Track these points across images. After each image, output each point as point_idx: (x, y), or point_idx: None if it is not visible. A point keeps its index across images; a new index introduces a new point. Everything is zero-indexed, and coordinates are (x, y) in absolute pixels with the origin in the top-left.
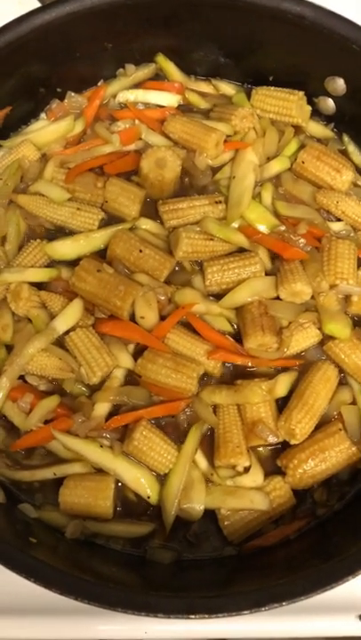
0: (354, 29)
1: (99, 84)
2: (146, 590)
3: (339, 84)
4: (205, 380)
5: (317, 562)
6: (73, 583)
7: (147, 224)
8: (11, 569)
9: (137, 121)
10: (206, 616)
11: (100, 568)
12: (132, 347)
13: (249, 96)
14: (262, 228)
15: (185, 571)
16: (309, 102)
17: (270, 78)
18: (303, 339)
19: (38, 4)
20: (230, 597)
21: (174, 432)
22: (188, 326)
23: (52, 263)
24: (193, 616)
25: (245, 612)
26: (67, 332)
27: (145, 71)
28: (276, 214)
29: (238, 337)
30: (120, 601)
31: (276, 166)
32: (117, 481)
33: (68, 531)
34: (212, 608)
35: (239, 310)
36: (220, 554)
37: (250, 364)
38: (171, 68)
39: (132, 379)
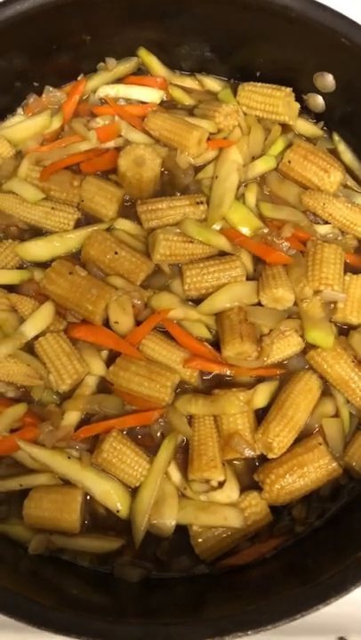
0: (343, 22)
1: (78, 78)
2: (107, 613)
3: (328, 80)
4: (182, 389)
5: (292, 585)
6: (26, 608)
7: (124, 225)
8: None
9: (117, 117)
10: None
11: (64, 587)
12: (105, 353)
13: (236, 92)
14: (245, 230)
15: (153, 590)
16: (298, 99)
17: (258, 74)
18: (284, 347)
19: None
20: (192, 625)
21: (148, 443)
22: (165, 333)
23: (25, 265)
24: None
25: None
26: (36, 337)
27: (127, 65)
28: (261, 216)
29: (218, 344)
30: (75, 627)
31: (261, 166)
32: (86, 494)
33: (31, 546)
34: (171, 636)
35: (218, 316)
36: (192, 572)
37: (228, 373)
38: (153, 62)
39: (105, 387)
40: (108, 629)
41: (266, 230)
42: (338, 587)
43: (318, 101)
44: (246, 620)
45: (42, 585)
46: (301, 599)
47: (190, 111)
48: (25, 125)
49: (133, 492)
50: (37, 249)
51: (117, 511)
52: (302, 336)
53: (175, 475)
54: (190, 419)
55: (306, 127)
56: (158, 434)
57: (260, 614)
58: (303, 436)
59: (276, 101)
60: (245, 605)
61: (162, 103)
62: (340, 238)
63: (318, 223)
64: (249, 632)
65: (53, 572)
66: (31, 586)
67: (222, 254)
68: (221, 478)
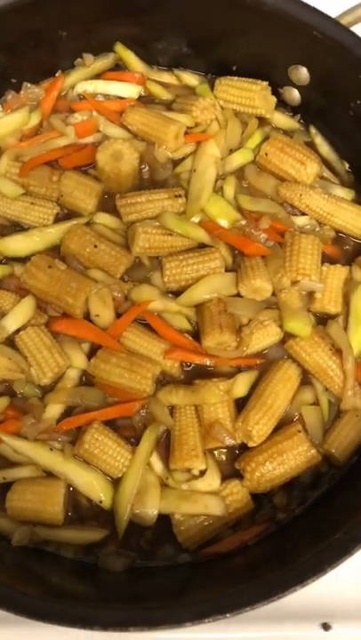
0: (315, 15)
1: (56, 74)
2: (90, 601)
3: (302, 74)
4: (164, 380)
5: (271, 569)
6: (3, 594)
7: (104, 219)
8: None
9: (95, 113)
10: (146, 628)
11: (48, 578)
12: (86, 346)
13: (213, 87)
14: (223, 222)
15: (137, 579)
16: (275, 93)
17: (234, 68)
18: (263, 337)
19: None
20: (172, 609)
21: (130, 434)
22: (146, 325)
23: (5, 260)
24: (132, 628)
25: (187, 623)
26: (17, 331)
27: (104, 61)
28: (239, 208)
29: (198, 335)
30: (54, 613)
31: (238, 159)
32: (69, 485)
33: (15, 538)
34: (152, 620)
35: (198, 308)
36: (175, 561)
37: (208, 364)
38: (130, 57)
39: (87, 379)
40: (89, 615)
41: (244, 222)
42: (315, 568)
43: (294, 95)
44: (225, 602)
45: (26, 576)
46: (279, 581)
47: (168, 106)
48: (3, 122)
49: (116, 482)
50: (17, 244)
51: (100, 502)
52: (281, 326)
53: (157, 464)
54: (172, 409)
55: (283, 120)
56: (140, 425)
57: (239, 597)
58: (283, 425)
59: (252, 95)
60: (226, 590)
61: (140, 98)
62: (317, 229)
63: (296, 215)
64: (228, 614)
65: (37, 564)
66: (15, 577)
67: (201, 246)
68: (203, 467)
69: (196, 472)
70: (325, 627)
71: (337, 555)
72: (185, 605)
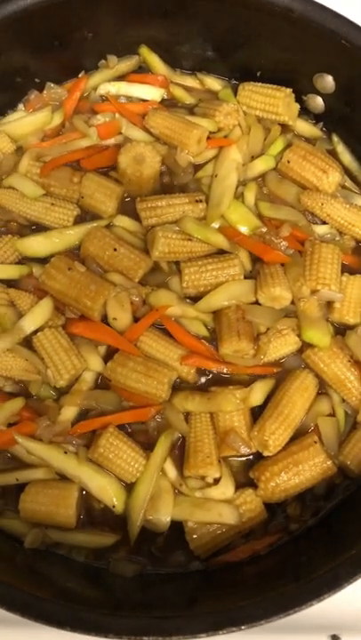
0: (344, 24)
1: (80, 75)
2: (102, 607)
3: (328, 82)
4: (180, 385)
5: (285, 582)
6: (21, 599)
7: (124, 222)
8: None
9: (118, 115)
10: (160, 638)
11: (59, 581)
12: (103, 349)
13: (236, 92)
14: (243, 229)
15: (148, 586)
16: (298, 100)
17: (258, 74)
18: (281, 346)
19: None
20: (187, 619)
21: (144, 440)
22: (163, 330)
23: (24, 260)
24: (146, 637)
25: (202, 635)
26: (35, 332)
27: (128, 63)
28: (260, 215)
29: (215, 342)
30: (69, 620)
31: (260, 165)
32: (82, 489)
33: (27, 540)
34: (166, 630)
35: (216, 314)
36: (186, 569)
37: (225, 371)
38: (155, 60)
39: (103, 383)
40: (103, 622)
41: (264, 229)
42: (331, 583)
43: (318, 102)
44: (240, 615)
45: (37, 578)
46: (295, 595)
47: (191, 110)
48: (26, 121)
49: (129, 487)
50: (37, 244)
51: (113, 506)
52: (299, 335)
53: (171, 471)
54: (187, 416)
55: (305, 128)
56: (155, 430)
57: (254, 609)
58: (299, 435)
59: (276, 101)
60: (239, 601)
61: (162, 101)
62: (337, 239)
63: (316, 223)
64: (243, 627)
65: (49, 567)
66: (27, 579)
67: (221, 252)
68: (217, 475)
69: (210, 480)
70: (335, 639)
71: (354, 570)
72: (199, 616)
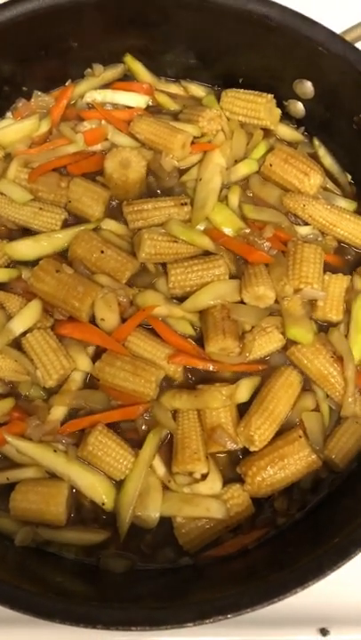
0: (321, 31)
1: (66, 83)
2: (90, 601)
3: (307, 87)
4: (167, 384)
5: (271, 572)
6: (9, 592)
7: (111, 225)
8: None
9: (104, 121)
10: (148, 628)
11: (50, 578)
12: (91, 349)
13: (219, 98)
14: (228, 230)
15: (138, 581)
16: (280, 105)
17: (240, 81)
18: (266, 343)
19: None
20: (174, 609)
21: (133, 437)
22: (150, 329)
23: (13, 263)
24: (134, 628)
25: (189, 624)
26: (24, 334)
27: (113, 71)
28: (243, 217)
29: (201, 341)
30: (58, 612)
31: (243, 169)
32: (72, 487)
33: (18, 538)
34: (154, 620)
35: (202, 314)
36: (176, 564)
37: (211, 369)
38: (139, 68)
39: (91, 382)
40: (91, 614)
41: (248, 231)
42: (315, 571)
43: (299, 107)
44: (226, 603)
45: (28, 575)
46: (280, 583)
47: (175, 116)
48: (14, 128)
49: (118, 485)
50: (25, 248)
51: (103, 504)
52: (283, 333)
53: (160, 468)
54: (175, 413)
55: (287, 132)
56: (143, 428)
57: (240, 598)
58: (284, 430)
59: (257, 107)
60: (226, 591)
61: (147, 108)
62: (320, 239)
63: (299, 224)
64: (229, 615)
65: (39, 564)
66: (17, 575)
67: (206, 254)
68: (205, 471)
69: (197, 475)
70: (323, 632)
71: (337, 558)
72: (186, 606)
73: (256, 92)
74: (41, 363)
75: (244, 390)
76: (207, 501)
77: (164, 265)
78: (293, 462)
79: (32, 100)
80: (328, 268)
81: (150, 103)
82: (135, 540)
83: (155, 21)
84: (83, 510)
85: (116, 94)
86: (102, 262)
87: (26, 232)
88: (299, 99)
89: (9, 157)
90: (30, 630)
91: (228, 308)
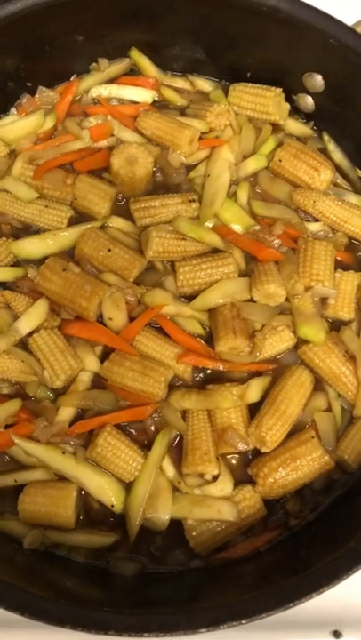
0: (331, 23)
1: (71, 78)
2: (102, 606)
3: (317, 81)
4: (177, 383)
5: (285, 576)
6: (20, 598)
7: (117, 222)
8: None
9: (110, 117)
10: (161, 634)
11: (59, 581)
12: (99, 349)
13: (227, 93)
14: (237, 227)
15: (148, 584)
16: (288, 99)
17: (248, 75)
18: (277, 342)
19: None
20: (187, 614)
21: (142, 438)
22: (159, 329)
23: (19, 262)
24: (147, 634)
25: (203, 629)
26: (31, 334)
27: (119, 66)
28: (253, 214)
29: (211, 340)
30: (70, 618)
31: (252, 164)
32: (81, 489)
33: (27, 541)
34: (167, 625)
35: (211, 312)
36: (187, 566)
37: (221, 368)
38: (145, 62)
39: (99, 382)
40: (104, 620)
41: (257, 228)
42: (330, 575)
43: (308, 101)
44: (240, 609)
45: (37, 579)
46: (295, 588)
47: (182, 111)
48: (18, 125)
49: (128, 486)
50: (31, 246)
51: (112, 506)
52: (294, 331)
53: (169, 469)
54: (184, 413)
55: (296, 127)
56: (152, 429)
57: (254, 603)
58: (296, 431)
59: (266, 101)
60: (239, 596)
61: (154, 103)
62: (330, 236)
63: (309, 221)
64: (243, 621)
65: (48, 567)
66: (26, 579)
67: (215, 251)
68: (215, 472)
69: (208, 477)
70: (336, 634)
71: (353, 562)
72: (199, 611)
73: (264, 86)
74: (48, 363)
75: (254, 390)
76: (218, 503)
77: (172, 263)
78: (306, 463)
79: (37, 95)
80: (339, 266)
81: (157, 98)
82: (145, 542)
83: (161, 14)
84: (92, 512)
85: (122, 89)
86: (109, 260)
87: (31, 230)
88: (308, 92)
89: (14, 154)
90: (31, 631)
91: (237, 307)
